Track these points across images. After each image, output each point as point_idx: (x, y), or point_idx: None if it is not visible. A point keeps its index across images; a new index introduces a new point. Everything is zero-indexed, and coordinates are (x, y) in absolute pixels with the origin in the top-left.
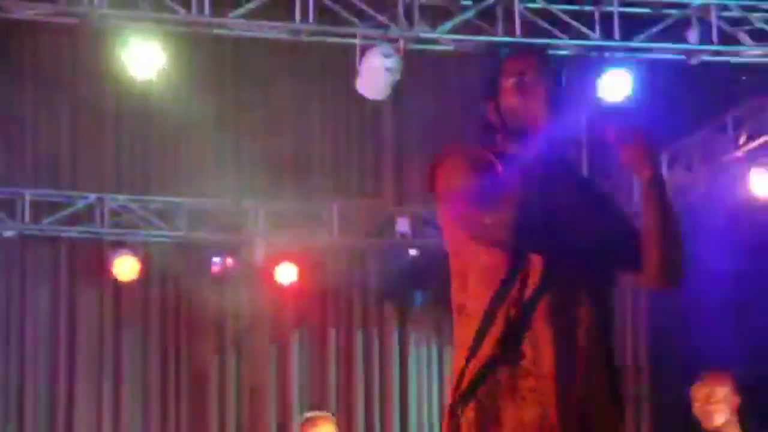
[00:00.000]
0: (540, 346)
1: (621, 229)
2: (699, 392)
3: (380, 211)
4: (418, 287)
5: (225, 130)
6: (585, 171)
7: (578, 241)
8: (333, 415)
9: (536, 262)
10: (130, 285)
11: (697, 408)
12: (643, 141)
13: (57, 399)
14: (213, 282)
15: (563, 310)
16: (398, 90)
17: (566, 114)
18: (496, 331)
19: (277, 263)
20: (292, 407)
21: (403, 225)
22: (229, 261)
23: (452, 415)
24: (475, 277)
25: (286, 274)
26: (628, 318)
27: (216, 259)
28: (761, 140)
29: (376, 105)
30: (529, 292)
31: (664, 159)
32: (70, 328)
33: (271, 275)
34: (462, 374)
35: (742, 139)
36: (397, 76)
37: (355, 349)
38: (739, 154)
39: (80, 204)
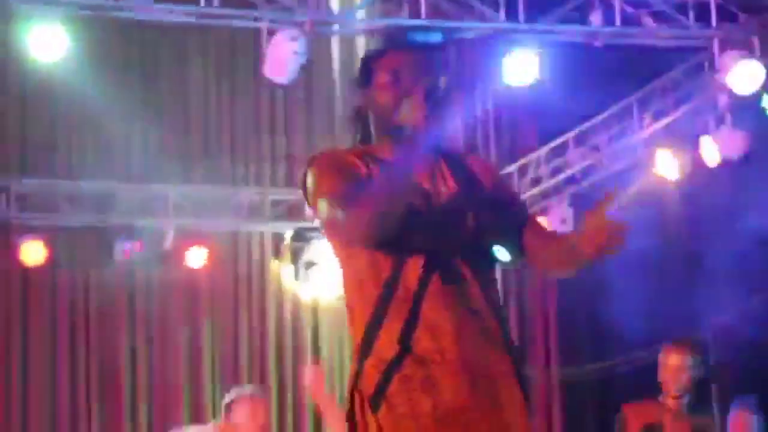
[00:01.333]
0: (439, 335)
1: (508, 217)
2: (670, 358)
3: (291, 195)
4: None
5: (133, 114)
6: (492, 152)
7: (454, 230)
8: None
9: (415, 256)
10: (38, 270)
11: (666, 372)
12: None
13: None
14: (122, 267)
15: (452, 296)
16: (308, 73)
17: (442, 115)
18: (391, 328)
19: (187, 248)
20: (204, 391)
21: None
22: (138, 245)
23: (355, 422)
24: (357, 277)
25: (197, 258)
26: (537, 298)
27: (123, 244)
28: (665, 121)
29: (285, 88)
30: (414, 285)
31: (571, 139)
32: None
33: (181, 259)
34: (358, 376)
35: (647, 120)
36: (305, 59)
37: (268, 332)
38: (644, 135)
39: None
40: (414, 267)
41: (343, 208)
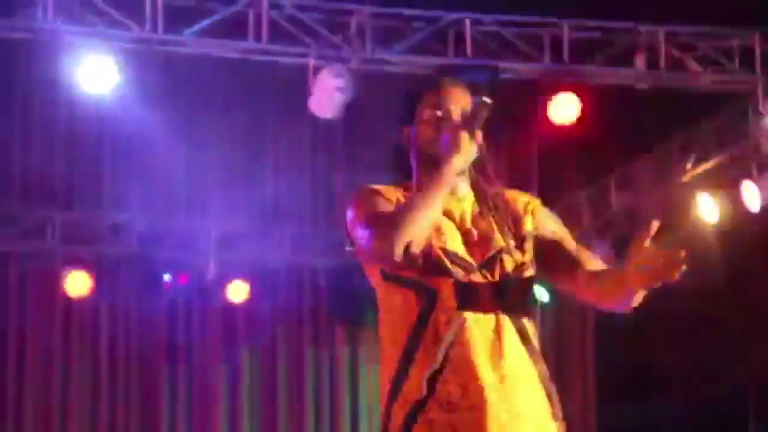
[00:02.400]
0: (466, 381)
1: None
2: None
3: (332, 232)
4: (369, 306)
5: (177, 147)
6: (536, 188)
7: (488, 271)
8: None
9: (447, 295)
10: (81, 301)
11: None
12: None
13: (5, 417)
14: (164, 299)
15: (483, 341)
16: (351, 110)
17: (481, 143)
18: (419, 370)
19: (228, 281)
20: (241, 427)
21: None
22: (181, 279)
23: None
24: (390, 317)
25: (238, 292)
26: (576, 335)
27: (167, 276)
28: (707, 165)
29: (329, 125)
30: (444, 328)
31: (613, 181)
32: (20, 345)
33: (223, 293)
34: (388, 418)
35: (689, 165)
36: (350, 96)
37: (306, 368)
38: (686, 178)
39: (31, 219)
40: (444, 309)
41: (373, 227)
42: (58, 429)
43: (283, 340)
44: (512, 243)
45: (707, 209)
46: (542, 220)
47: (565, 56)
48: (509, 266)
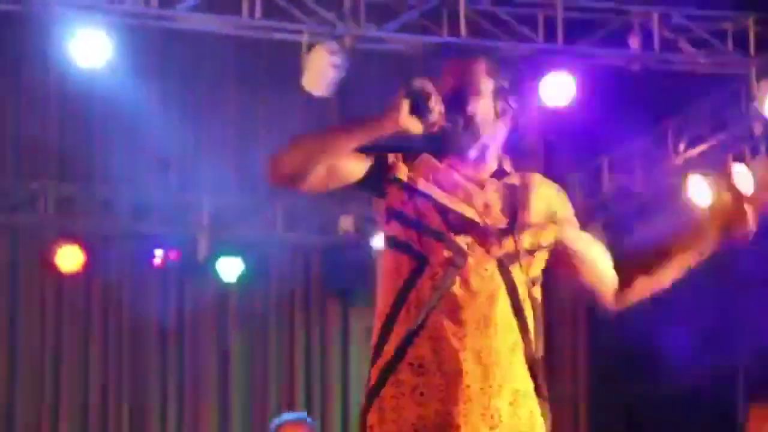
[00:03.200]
0: (440, 347)
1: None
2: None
3: (324, 208)
4: (361, 285)
5: (170, 122)
6: (541, 168)
7: (488, 247)
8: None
9: (438, 260)
10: (73, 276)
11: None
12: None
13: None
14: (156, 275)
15: (466, 307)
16: (344, 87)
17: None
18: (398, 332)
19: (220, 257)
20: (232, 403)
21: (346, 223)
22: (172, 254)
23: (361, 419)
24: (383, 279)
25: (230, 268)
26: (567, 314)
27: (158, 252)
28: (700, 148)
29: (322, 101)
30: (428, 294)
31: (605, 164)
32: (11, 318)
33: (214, 269)
34: (368, 380)
35: (682, 147)
36: (343, 74)
37: (297, 345)
38: (678, 161)
39: (23, 192)
40: (431, 275)
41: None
42: (49, 405)
43: (274, 316)
44: (531, 226)
45: (699, 191)
46: (567, 231)
47: (559, 37)
48: (514, 245)
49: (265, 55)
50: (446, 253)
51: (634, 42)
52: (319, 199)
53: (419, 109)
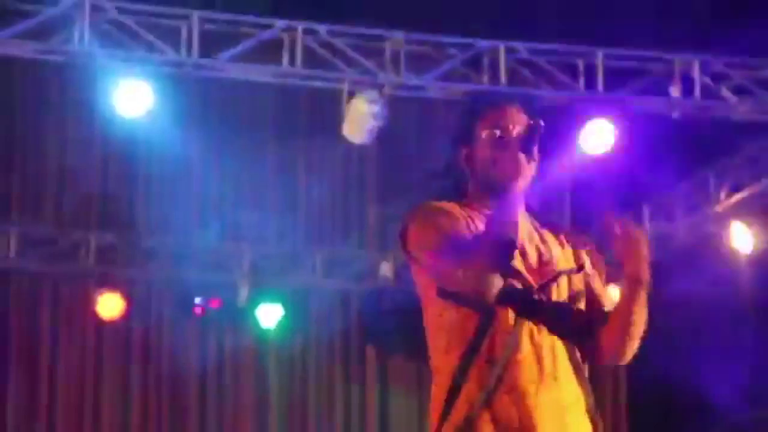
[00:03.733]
0: (518, 401)
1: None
2: None
3: (364, 256)
4: (400, 333)
5: (210, 171)
6: (568, 220)
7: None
8: None
9: (504, 315)
10: (113, 323)
11: None
12: (645, 242)
13: None
14: (196, 322)
15: (536, 365)
16: (384, 136)
17: (543, 172)
18: (471, 390)
19: (260, 305)
20: None
21: (386, 269)
22: (213, 302)
23: None
24: (444, 337)
25: (270, 316)
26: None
27: (199, 300)
28: (741, 194)
29: (361, 150)
30: (500, 347)
31: (646, 211)
32: (52, 365)
33: (254, 317)
34: (442, 419)
35: (723, 194)
36: (382, 122)
37: (336, 393)
38: (720, 208)
39: (66, 241)
40: (501, 331)
41: (458, 263)
42: None
43: (314, 364)
44: (572, 268)
45: (741, 238)
46: (595, 267)
47: (600, 84)
48: (565, 292)
49: (305, 103)
50: (512, 303)
51: (675, 90)
52: (358, 246)
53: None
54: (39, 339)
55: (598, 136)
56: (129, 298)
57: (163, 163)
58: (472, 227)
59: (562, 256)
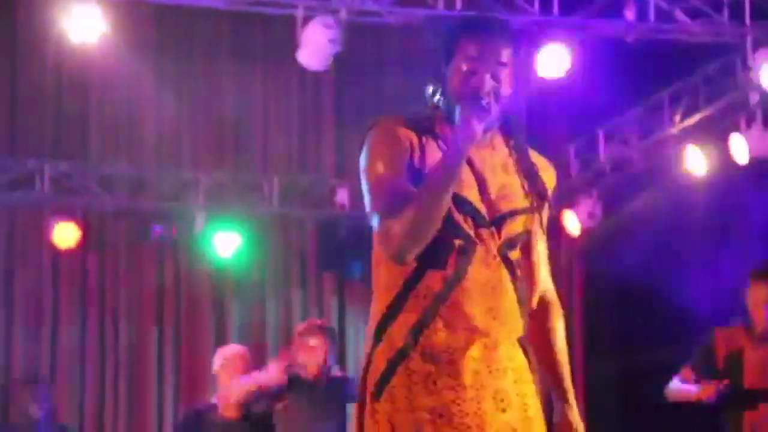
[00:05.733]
0: (452, 336)
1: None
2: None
3: (320, 183)
4: (356, 259)
5: (165, 99)
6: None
7: (497, 226)
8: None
9: (447, 252)
10: (69, 252)
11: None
12: None
13: None
14: (152, 251)
15: (476, 298)
16: (339, 62)
17: (505, 101)
18: (407, 318)
19: (217, 233)
20: None
21: (342, 196)
22: (169, 229)
23: (363, 405)
24: (387, 264)
25: (226, 243)
26: (563, 287)
27: (155, 227)
28: (696, 117)
29: (317, 76)
30: (439, 281)
31: (601, 134)
32: (8, 295)
33: (211, 245)
34: (370, 362)
35: (678, 117)
36: (339, 48)
37: (295, 319)
38: (674, 131)
39: (20, 170)
40: (442, 265)
41: (382, 217)
42: (48, 381)
43: (271, 292)
44: (528, 205)
45: (695, 162)
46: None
47: (555, 8)
48: (518, 227)
49: (260, 29)
50: (457, 242)
51: (630, 13)
52: (315, 173)
53: (479, 113)
54: None
55: (553, 61)
56: (84, 227)
57: (118, 90)
58: (417, 160)
59: (523, 191)
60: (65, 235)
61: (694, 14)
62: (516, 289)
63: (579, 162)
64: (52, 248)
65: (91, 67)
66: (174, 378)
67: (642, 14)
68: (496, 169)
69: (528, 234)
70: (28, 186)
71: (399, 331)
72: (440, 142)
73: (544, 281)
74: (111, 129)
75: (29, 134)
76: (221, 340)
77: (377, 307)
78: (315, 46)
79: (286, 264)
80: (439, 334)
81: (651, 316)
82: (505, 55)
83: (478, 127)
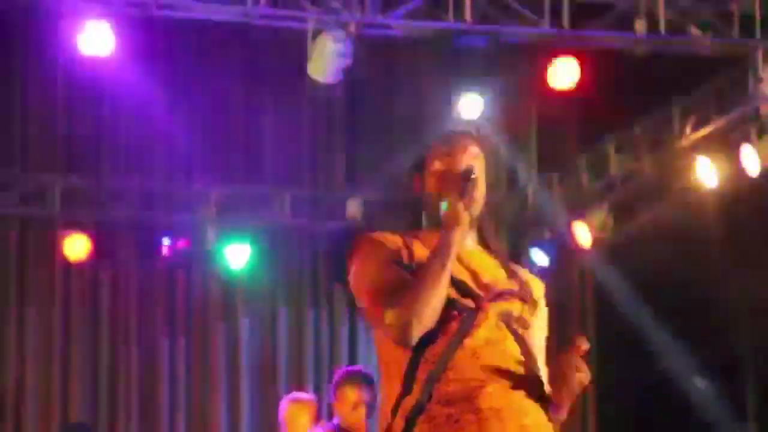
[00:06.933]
0: (466, 385)
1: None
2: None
3: (331, 195)
4: None
5: (177, 111)
6: (534, 157)
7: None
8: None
9: (451, 326)
10: (81, 265)
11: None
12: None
13: (5, 383)
14: (164, 263)
15: (481, 355)
16: (350, 75)
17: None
18: (420, 382)
19: (228, 245)
20: (241, 388)
21: (353, 208)
22: (180, 243)
23: None
24: (384, 366)
25: (237, 256)
26: (575, 299)
27: (166, 241)
28: (707, 130)
29: (329, 90)
30: (444, 347)
31: (612, 146)
32: (20, 309)
33: (222, 257)
34: (390, 425)
35: (689, 129)
36: (349, 61)
37: (306, 331)
38: (685, 143)
39: (31, 184)
40: (445, 330)
41: (383, 307)
42: (59, 393)
43: (283, 304)
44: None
45: (706, 173)
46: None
47: (565, 21)
48: (516, 307)
49: (271, 43)
50: (458, 314)
51: (640, 26)
52: (326, 185)
53: (463, 194)
54: (6, 282)
55: (563, 73)
56: (95, 239)
57: (129, 104)
58: (407, 258)
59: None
60: (76, 248)
61: (704, 27)
62: (522, 347)
63: (589, 174)
64: (64, 261)
65: (102, 82)
66: (186, 391)
67: (653, 27)
68: (486, 266)
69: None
70: (40, 199)
71: (415, 393)
72: (426, 243)
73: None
74: (122, 143)
75: (41, 148)
76: (232, 352)
77: (389, 389)
78: (325, 59)
79: (298, 276)
80: (452, 385)
81: (663, 325)
82: (475, 151)
83: (464, 211)
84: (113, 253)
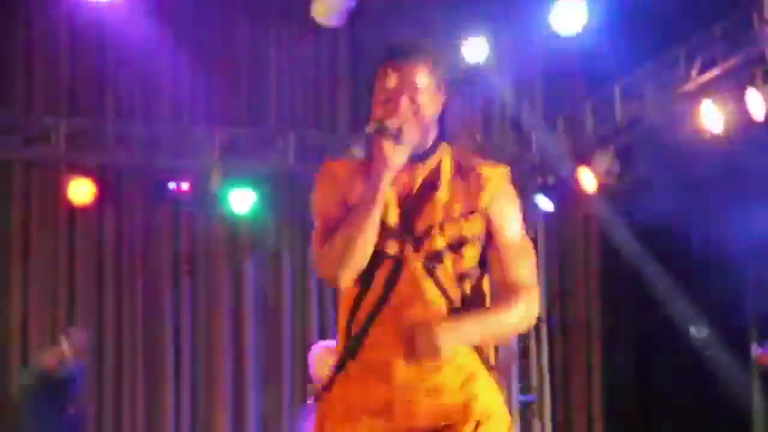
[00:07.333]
0: (379, 354)
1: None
2: None
3: (336, 138)
4: None
5: (181, 54)
6: (540, 102)
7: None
8: None
9: (379, 277)
10: (85, 209)
11: None
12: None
13: (10, 327)
14: (168, 207)
15: (402, 315)
16: (354, 18)
17: (426, 126)
18: (348, 329)
19: (232, 189)
20: (245, 331)
21: (358, 152)
22: (185, 186)
23: (318, 398)
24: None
25: (242, 200)
26: (580, 244)
27: (171, 184)
28: (712, 73)
29: (332, 33)
30: (374, 299)
31: (617, 91)
32: (24, 251)
33: (227, 201)
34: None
35: (694, 72)
36: (352, 3)
37: (310, 273)
38: (690, 86)
39: (36, 127)
40: (374, 283)
41: (318, 247)
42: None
43: (287, 246)
44: (458, 214)
45: (711, 118)
46: (496, 204)
47: None
48: (443, 242)
49: None
50: (385, 263)
51: None
52: (330, 129)
53: (390, 138)
54: (10, 225)
55: (569, 17)
56: (100, 183)
57: (133, 47)
58: (353, 195)
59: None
60: (81, 191)
61: None
62: (447, 302)
63: (595, 119)
64: (68, 204)
65: (105, 24)
66: (190, 335)
67: None
68: (423, 188)
69: (465, 241)
70: (44, 142)
71: (341, 348)
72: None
73: (507, 277)
74: (126, 86)
75: (45, 92)
76: (237, 296)
77: (339, 326)
78: (328, 1)
79: (302, 219)
80: (369, 351)
81: (669, 271)
82: (422, 77)
83: (392, 152)
84: (117, 197)
